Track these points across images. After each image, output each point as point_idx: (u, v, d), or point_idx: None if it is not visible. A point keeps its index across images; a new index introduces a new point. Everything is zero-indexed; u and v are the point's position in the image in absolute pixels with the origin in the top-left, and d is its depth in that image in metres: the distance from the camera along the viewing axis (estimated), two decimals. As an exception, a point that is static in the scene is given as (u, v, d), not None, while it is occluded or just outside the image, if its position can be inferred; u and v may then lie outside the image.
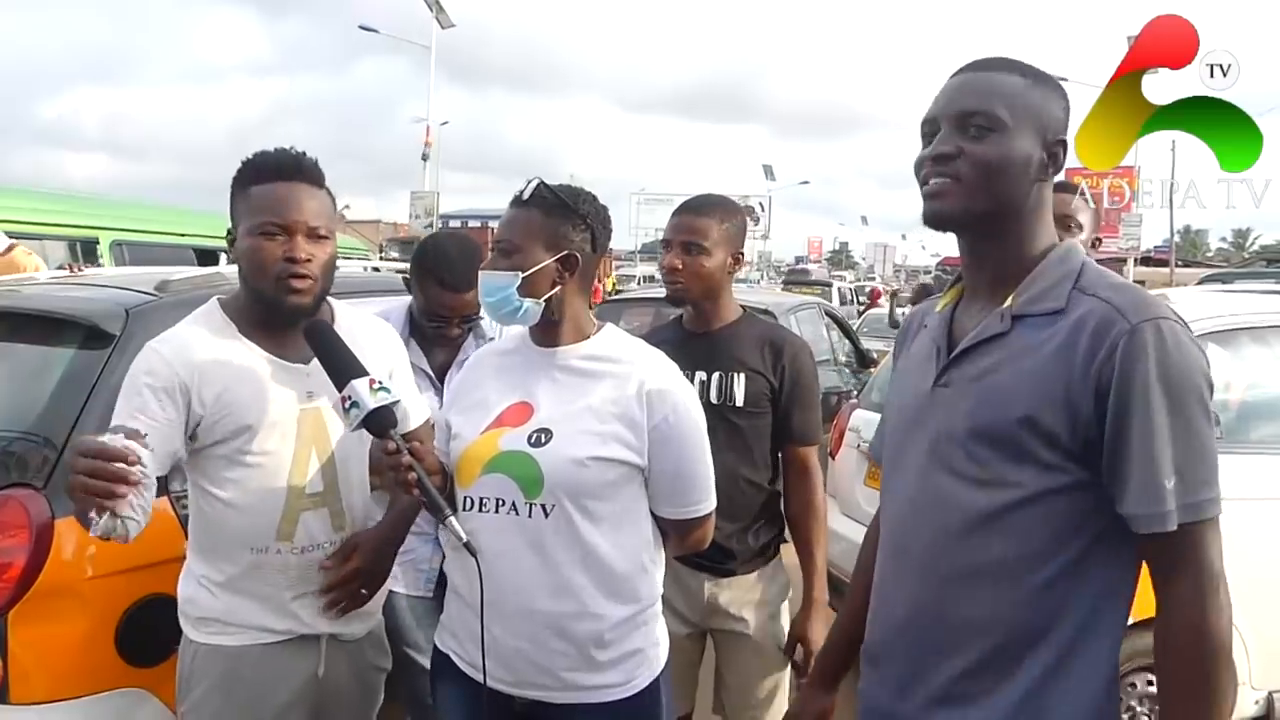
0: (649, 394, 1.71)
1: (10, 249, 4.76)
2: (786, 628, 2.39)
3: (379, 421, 1.63)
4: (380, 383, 1.65)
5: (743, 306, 2.43)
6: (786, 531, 2.44)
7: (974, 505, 1.34)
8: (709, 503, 1.80)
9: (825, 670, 1.72)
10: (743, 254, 2.38)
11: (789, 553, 2.41)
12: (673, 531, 1.82)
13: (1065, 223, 2.64)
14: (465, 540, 1.61)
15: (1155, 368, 1.24)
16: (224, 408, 1.76)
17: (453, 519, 1.62)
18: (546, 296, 1.71)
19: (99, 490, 1.42)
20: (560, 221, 1.72)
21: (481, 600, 1.64)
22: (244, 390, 1.78)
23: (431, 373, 2.53)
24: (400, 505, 1.97)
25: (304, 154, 1.84)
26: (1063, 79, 1.51)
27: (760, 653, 2.36)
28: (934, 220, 1.39)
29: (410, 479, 1.61)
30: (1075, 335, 1.28)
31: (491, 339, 2.47)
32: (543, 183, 1.74)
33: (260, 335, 1.84)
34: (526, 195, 1.73)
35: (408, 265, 2.76)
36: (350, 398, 1.63)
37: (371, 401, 1.62)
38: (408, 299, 2.63)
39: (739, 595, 2.35)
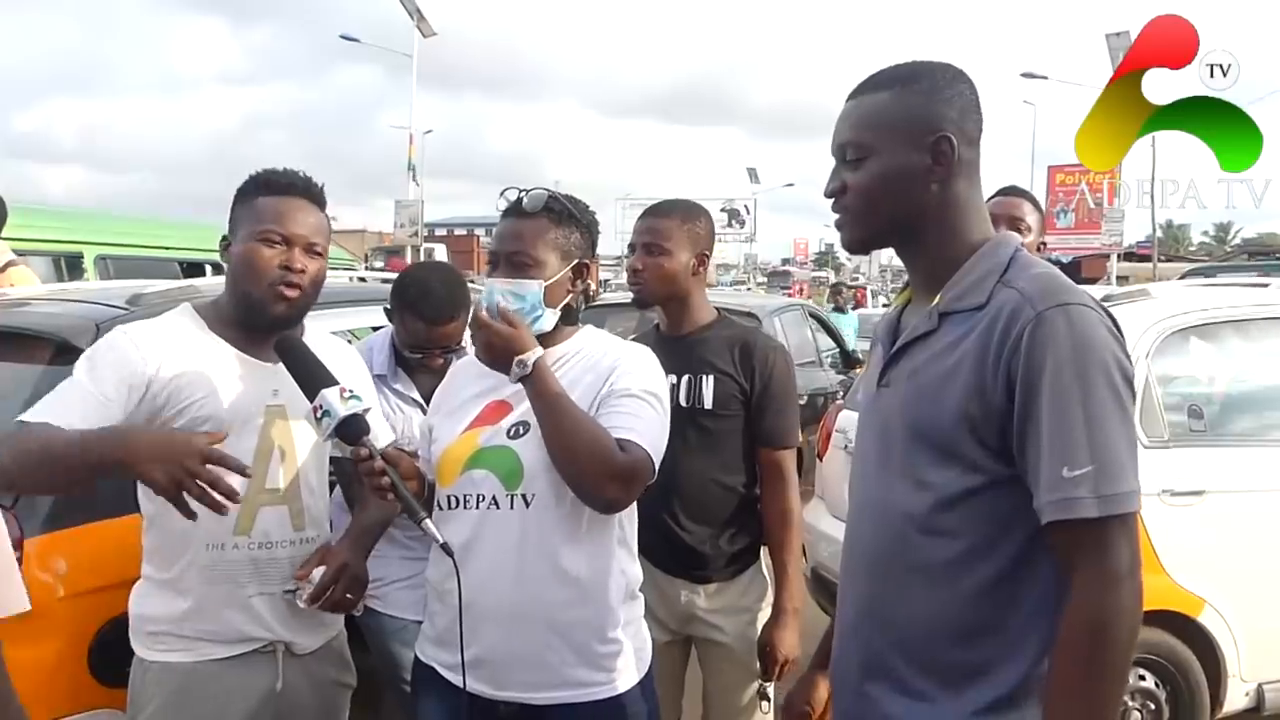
0: (616, 376, 1.72)
1: (8, 266, 4.66)
2: None
3: (351, 429, 1.64)
4: (351, 391, 1.66)
5: (719, 309, 2.42)
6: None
7: (909, 505, 1.35)
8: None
9: (822, 660, 1.73)
10: (708, 255, 2.36)
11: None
12: None
13: (1015, 225, 2.77)
14: (442, 542, 1.62)
15: (1059, 354, 1.22)
16: (186, 398, 1.78)
17: (428, 522, 1.62)
18: (561, 305, 1.74)
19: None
20: (570, 230, 1.76)
21: (460, 600, 1.64)
22: (208, 382, 1.81)
23: (421, 400, 2.52)
24: (367, 517, 1.96)
25: (304, 175, 1.93)
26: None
27: (737, 660, 2.33)
28: (847, 248, 1.49)
29: (384, 484, 1.62)
30: (991, 327, 1.28)
31: None
32: (551, 193, 1.76)
33: (230, 333, 1.87)
34: (534, 207, 1.74)
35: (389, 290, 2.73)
36: (322, 406, 1.64)
37: (343, 409, 1.63)
38: (389, 328, 2.61)
39: (716, 602, 2.33)
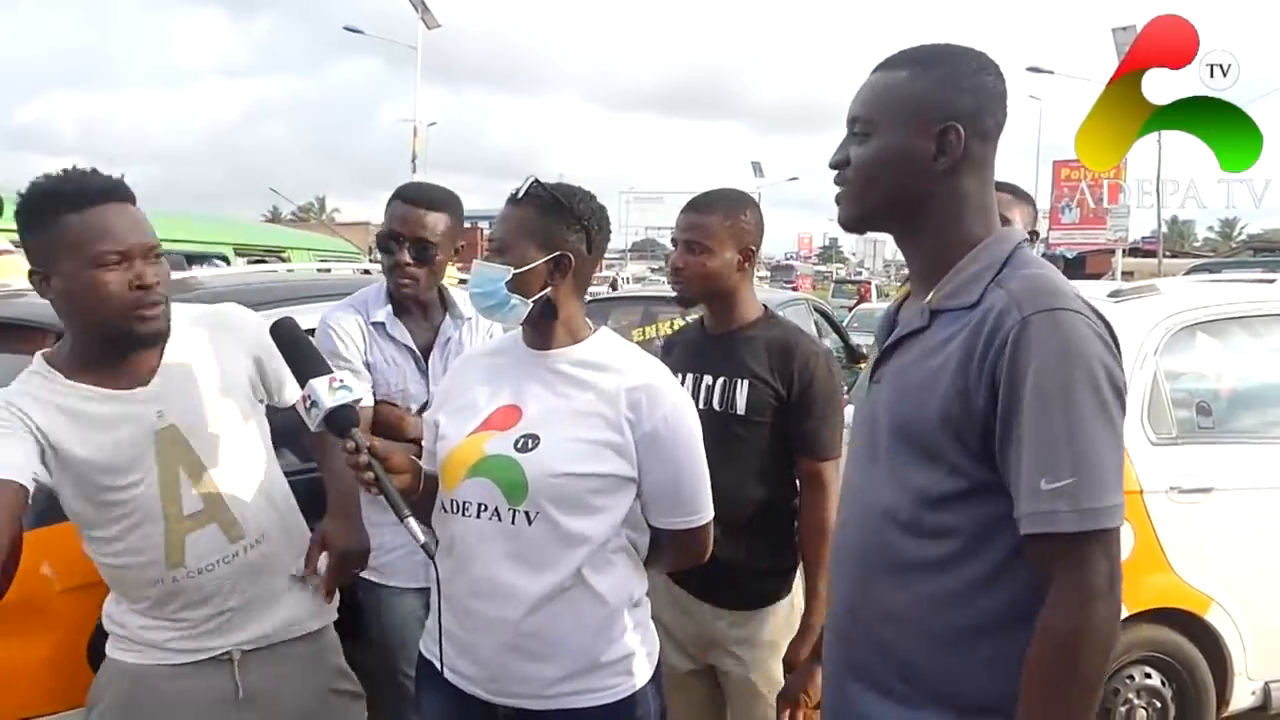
0: (638, 403, 1.67)
1: (1, 253, 4.62)
2: None
3: (339, 420, 1.62)
4: (341, 381, 1.63)
5: (765, 306, 2.33)
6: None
7: (892, 504, 1.33)
8: (705, 513, 1.76)
9: (819, 651, 1.70)
10: (756, 249, 2.27)
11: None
12: (670, 544, 1.77)
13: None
14: (423, 543, 1.59)
15: (1043, 361, 1.18)
16: (72, 457, 1.68)
17: (410, 520, 1.58)
18: (536, 297, 1.68)
19: None
20: (554, 221, 1.69)
21: (439, 604, 1.65)
22: (85, 435, 1.69)
23: (416, 350, 2.48)
24: (340, 483, 1.92)
25: (97, 171, 1.69)
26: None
27: (758, 693, 2.23)
28: (842, 224, 1.43)
29: (368, 479, 1.59)
30: (978, 329, 1.25)
31: (469, 319, 2.48)
32: (538, 181, 1.71)
33: (92, 374, 1.72)
34: (521, 193, 1.70)
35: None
36: (310, 397, 1.62)
37: (330, 400, 1.61)
38: (381, 282, 2.58)
39: (741, 632, 2.24)
